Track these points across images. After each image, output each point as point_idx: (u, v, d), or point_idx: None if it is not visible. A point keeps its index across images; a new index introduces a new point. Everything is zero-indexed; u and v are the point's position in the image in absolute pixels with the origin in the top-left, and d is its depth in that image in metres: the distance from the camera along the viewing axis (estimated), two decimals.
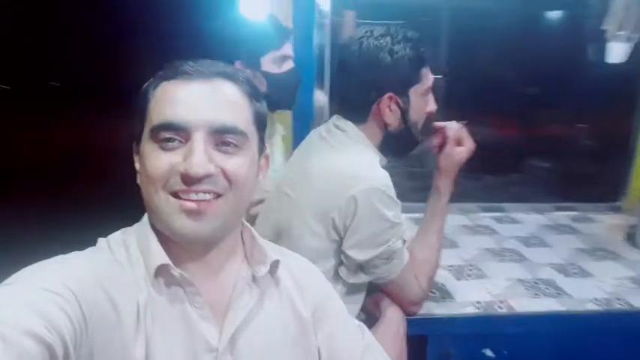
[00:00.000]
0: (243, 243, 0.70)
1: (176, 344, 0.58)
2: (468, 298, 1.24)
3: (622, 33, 1.76)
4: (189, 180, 0.57)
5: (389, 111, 1.03)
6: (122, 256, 0.61)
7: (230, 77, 0.62)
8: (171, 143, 0.58)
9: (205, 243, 0.62)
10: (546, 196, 2.13)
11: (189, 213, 0.58)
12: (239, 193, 0.62)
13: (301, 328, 0.71)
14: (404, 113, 1.03)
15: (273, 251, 0.70)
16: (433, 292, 1.25)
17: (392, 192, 0.99)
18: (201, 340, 0.60)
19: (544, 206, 1.97)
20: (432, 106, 1.08)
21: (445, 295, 1.25)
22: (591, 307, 1.21)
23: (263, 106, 0.67)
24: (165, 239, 0.61)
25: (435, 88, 1.08)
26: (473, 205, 1.96)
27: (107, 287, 0.55)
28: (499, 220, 1.85)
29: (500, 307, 1.20)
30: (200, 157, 0.57)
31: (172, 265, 0.59)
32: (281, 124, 1.50)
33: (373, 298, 1.12)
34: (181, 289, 0.60)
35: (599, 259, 1.49)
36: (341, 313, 0.78)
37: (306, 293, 0.73)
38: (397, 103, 1.02)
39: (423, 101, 1.06)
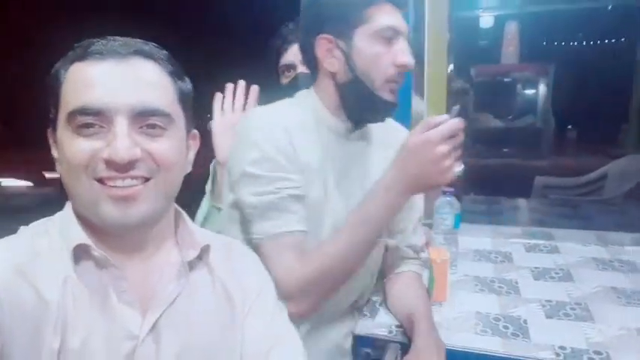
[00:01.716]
0: (176, 228, 0.67)
1: (94, 331, 0.56)
2: (551, 341, 0.95)
3: None
4: (114, 166, 0.55)
5: (330, 57, 0.87)
6: (44, 242, 0.59)
7: (148, 55, 0.59)
8: (90, 129, 0.55)
9: (135, 229, 0.60)
10: None
11: (117, 200, 0.56)
12: (168, 175, 0.60)
13: (232, 316, 0.65)
14: (348, 58, 0.86)
15: (207, 237, 0.67)
16: (506, 327, 1.01)
17: (263, 142, 0.84)
18: (122, 326, 0.58)
19: None
20: (401, 57, 0.85)
21: (520, 332, 0.99)
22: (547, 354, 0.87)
23: (187, 84, 0.64)
24: (91, 225, 0.59)
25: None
26: (616, 235, 1.52)
27: (27, 273, 0.55)
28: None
29: (592, 358, 0.88)
30: (124, 141, 0.55)
31: (93, 245, 0.58)
32: None
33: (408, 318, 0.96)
34: (106, 273, 0.59)
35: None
36: (267, 308, 0.70)
37: (241, 281, 0.67)
38: (339, 47, 0.86)
39: (372, 46, 0.85)
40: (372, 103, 0.89)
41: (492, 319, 1.05)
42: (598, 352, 0.90)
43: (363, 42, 0.86)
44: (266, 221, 0.85)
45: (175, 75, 0.62)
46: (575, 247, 1.47)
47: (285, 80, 1.26)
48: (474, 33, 4.64)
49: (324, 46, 0.88)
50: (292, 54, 1.22)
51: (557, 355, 0.90)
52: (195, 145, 0.68)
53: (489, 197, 2.48)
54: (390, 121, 1.05)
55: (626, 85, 4.40)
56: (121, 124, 0.55)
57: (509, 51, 4.21)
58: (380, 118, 0.94)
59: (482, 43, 4.50)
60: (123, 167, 0.55)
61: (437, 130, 0.78)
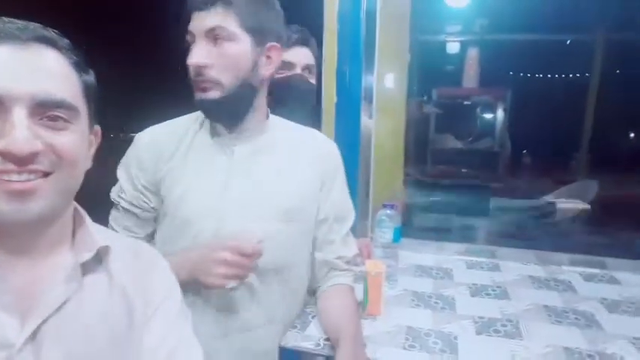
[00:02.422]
0: (75, 229, 0.62)
1: None
2: (478, 357, 0.93)
3: None
4: (12, 158, 0.50)
5: None
6: None
7: (51, 43, 0.55)
8: None
9: (29, 228, 0.55)
10: None
11: (13, 195, 0.51)
12: (70, 171, 0.55)
13: (130, 323, 0.60)
14: None
15: (109, 238, 0.61)
16: (435, 343, 0.99)
17: (140, 147, 0.95)
18: None
19: None
20: (189, 59, 0.87)
21: (449, 348, 0.97)
22: None
23: (91, 77, 0.60)
24: None
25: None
26: (556, 255, 1.54)
27: None
28: (589, 277, 1.41)
29: None
30: (23, 133, 0.50)
31: None
32: None
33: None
34: None
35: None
36: (170, 315, 0.65)
37: (144, 286, 0.63)
38: None
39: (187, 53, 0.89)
40: (197, 104, 0.92)
41: (423, 335, 1.03)
42: None
43: None
44: (115, 215, 0.99)
45: (79, 66, 0.58)
46: (515, 266, 1.48)
47: (277, 75, 1.25)
48: (437, 57, 4.78)
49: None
50: (294, 54, 1.29)
51: None
52: (96, 141, 0.64)
53: (442, 215, 2.51)
54: (307, 129, 1.08)
55: (579, 116, 4.61)
56: (19, 114, 0.51)
57: (470, 75, 4.33)
58: (208, 116, 0.95)
59: (443, 66, 4.63)
60: (21, 160, 0.51)
61: (231, 241, 0.85)
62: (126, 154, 0.98)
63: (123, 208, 0.97)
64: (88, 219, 0.63)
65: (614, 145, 4.73)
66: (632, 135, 5.68)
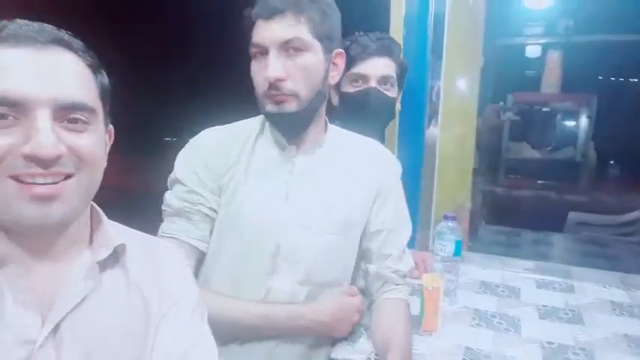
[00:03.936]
0: (92, 227, 0.63)
1: None
2: None
3: None
4: (38, 162, 0.51)
5: None
6: None
7: (68, 46, 0.56)
8: (3, 120, 0.51)
9: (50, 230, 0.56)
10: None
11: (38, 199, 0.52)
12: (91, 172, 0.57)
13: (146, 320, 0.61)
14: None
15: (126, 236, 0.63)
16: None
17: (205, 149, 0.94)
18: (17, 330, 0.53)
19: None
20: (265, 72, 0.85)
21: None
22: None
23: (105, 78, 0.61)
24: None
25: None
26: None
27: None
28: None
29: None
30: (49, 136, 0.51)
31: None
32: None
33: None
34: (1, 272, 0.54)
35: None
36: (185, 313, 0.65)
37: (160, 283, 0.64)
38: None
39: (252, 64, 0.89)
40: (267, 117, 0.93)
41: (483, 357, 0.96)
42: None
43: (251, 63, 0.90)
44: (172, 223, 0.92)
45: (94, 68, 0.59)
46: (593, 288, 1.35)
47: (351, 89, 1.25)
48: (514, 61, 4.53)
49: None
50: (370, 66, 1.23)
51: None
52: (110, 141, 0.65)
53: (513, 229, 2.36)
54: (366, 140, 1.06)
55: None
56: (43, 118, 0.52)
57: (551, 80, 4.05)
58: (284, 129, 0.94)
59: (521, 71, 4.38)
60: (46, 163, 0.52)
61: (356, 300, 0.99)
62: (185, 156, 0.95)
63: (201, 215, 0.92)
64: (104, 217, 0.65)
65: None
66: None
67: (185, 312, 0.66)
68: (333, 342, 1.01)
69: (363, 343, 1.01)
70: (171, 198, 0.93)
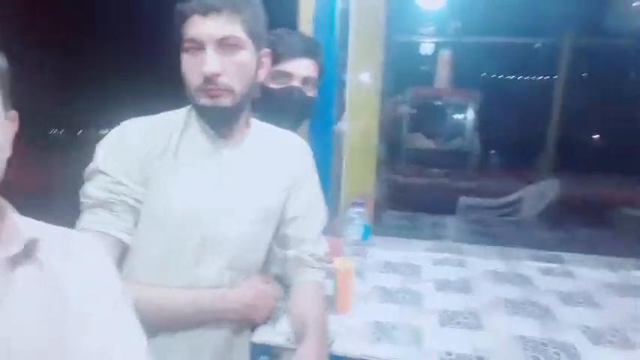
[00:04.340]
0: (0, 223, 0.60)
1: None
2: (441, 348, 0.98)
3: None
4: None
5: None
6: None
7: None
8: None
9: None
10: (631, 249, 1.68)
11: None
12: None
13: (66, 314, 0.60)
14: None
15: (38, 230, 0.61)
16: (401, 335, 1.03)
17: (130, 138, 0.91)
18: None
19: (621, 262, 1.55)
20: (203, 66, 0.86)
21: (414, 339, 1.02)
22: None
23: (3, 61, 0.59)
24: None
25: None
26: (517, 251, 1.62)
27: None
28: (547, 271, 1.49)
29: None
30: None
31: None
32: None
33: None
34: None
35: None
36: (107, 304, 0.64)
37: (80, 275, 0.63)
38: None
39: (184, 58, 0.89)
40: (198, 110, 0.94)
41: (390, 328, 1.07)
42: (481, 358, 0.94)
43: (182, 56, 0.90)
44: (93, 215, 0.88)
45: None
46: (480, 262, 1.55)
47: (274, 85, 1.26)
48: (412, 57, 4.86)
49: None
50: (293, 66, 1.25)
51: None
52: (14, 127, 0.62)
53: (413, 213, 2.58)
54: (284, 132, 1.11)
55: (545, 117, 4.78)
56: None
57: (442, 76, 4.43)
58: (215, 123, 0.96)
59: (417, 67, 4.72)
60: None
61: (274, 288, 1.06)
62: (108, 146, 0.92)
63: (125, 206, 0.89)
64: (12, 211, 0.62)
65: (579, 146, 4.93)
66: (595, 136, 5.90)
67: (106, 304, 0.65)
68: (253, 328, 1.05)
69: (283, 325, 1.07)
70: (92, 189, 0.89)
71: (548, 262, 1.56)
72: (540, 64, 5.51)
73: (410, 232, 2.34)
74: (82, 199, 0.90)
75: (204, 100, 0.90)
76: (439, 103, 4.76)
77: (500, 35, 4.67)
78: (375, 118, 2.64)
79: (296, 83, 1.26)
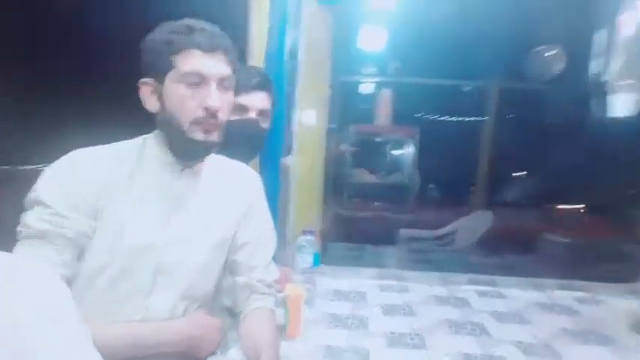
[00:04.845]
0: None
1: None
2: None
3: (627, 82, 1.58)
4: None
5: (150, 99, 0.94)
6: None
7: None
8: None
9: None
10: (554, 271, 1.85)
11: None
12: None
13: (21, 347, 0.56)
14: (161, 101, 0.92)
15: None
16: (351, 358, 1.07)
17: (78, 168, 0.89)
18: None
19: (547, 282, 1.70)
20: (206, 101, 0.90)
21: None
22: None
23: None
24: None
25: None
26: (455, 276, 1.73)
27: None
28: (482, 293, 1.59)
29: None
30: None
31: None
32: None
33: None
34: None
35: (583, 342, 1.21)
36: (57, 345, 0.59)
37: (15, 315, 0.57)
38: (156, 91, 0.92)
39: (178, 89, 0.90)
40: (185, 142, 0.94)
41: (340, 352, 1.10)
42: None
43: (172, 86, 0.91)
44: (29, 247, 0.85)
45: None
46: (421, 287, 1.63)
47: (231, 117, 1.27)
48: (355, 95, 5.10)
49: (144, 89, 0.94)
50: (250, 99, 1.29)
51: None
52: None
53: (357, 244, 2.66)
54: (236, 163, 1.14)
55: (475, 155, 5.16)
56: None
57: (383, 114, 4.66)
58: (198, 156, 0.99)
59: (361, 104, 4.95)
60: None
61: (219, 321, 1.02)
62: (53, 176, 0.89)
63: (65, 240, 0.86)
64: None
65: (506, 181, 5.33)
66: (520, 173, 6.37)
67: (59, 341, 0.59)
68: None
69: (233, 353, 1.06)
70: (31, 219, 0.86)
71: (483, 285, 1.67)
72: (471, 106, 5.95)
73: (355, 261, 2.40)
74: (19, 228, 0.87)
75: (198, 135, 0.92)
76: (380, 139, 4.99)
77: (436, 77, 5.02)
78: (321, 154, 2.74)
79: (252, 115, 1.31)
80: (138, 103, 1.00)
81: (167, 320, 0.95)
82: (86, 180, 0.90)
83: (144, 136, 1.02)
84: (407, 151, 4.83)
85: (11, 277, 0.58)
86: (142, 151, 0.98)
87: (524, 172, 6.03)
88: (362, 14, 3.49)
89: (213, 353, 1.03)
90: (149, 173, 0.97)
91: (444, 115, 6.61)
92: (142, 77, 0.94)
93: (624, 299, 1.57)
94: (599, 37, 1.75)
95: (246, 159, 1.26)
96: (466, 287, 1.65)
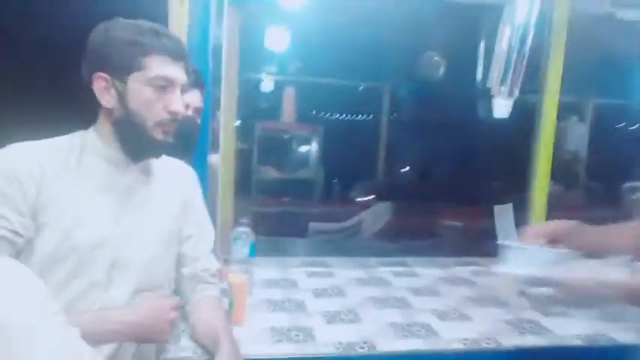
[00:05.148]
0: None
1: None
2: (332, 339, 1.15)
3: (503, 89, 1.87)
4: None
5: (107, 94, 0.94)
6: None
7: None
8: None
9: None
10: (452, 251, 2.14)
11: None
12: None
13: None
14: (122, 98, 0.93)
15: None
16: (297, 335, 1.16)
17: (15, 165, 0.87)
18: None
19: (447, 261, 1.96)
20: (172, 105, 0.95)
21: (309, 337, 1.16)
22: (457, 345, 1.14)
23: None
24: None
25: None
26: (371, 260, 1.92)
27: None
28: (398, 273, 1.80)
29: (362, 347, 1.11)
30: None
31: None
32: None
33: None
34: None
35: (483, 306, 1.45)
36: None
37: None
38: (115, 86, 0.93)
39: (146, 91, 0.93)
40: (145, 141, 0.97)
41: (286, 330, 1.19)
42: (365, 342, 1.14)
43: (137, 86, 0.93)
44: None
45: None
46: (344, 272, 1.78)
47: None
48: (262, 93, 5.16)
49: (100, 83, 0.94)
50: (190, 97, 1.34)
51: (337, 348, 1.10)
52: None
53: (269, 237, 2.75)
54: (171, 159, 1.16)
55: (372, 151, 5.56)
56: None
57: (288, 112, 4.80)
58: (155, 155, 1.03)
59: (266, 102, 5.03)
60: None
61: (171, 300, 1.01)
62: None
63: (4, 241, 0.84)
64: None
65: (402, 176, 5.81)
66: (409, 168, 6.92)
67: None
68: (159, 351, 1.06)
69: (185, 342, 1.10)
70: None
71: (396, 266, 1.88)
72: (370, 105, 6.34)
73: (274, 252, 2.49)
74: None
75: (160, 136, 0.96)
76: (285, 136, 5.11)
77: (338, 78, 5.28)
78: (231, 151, 2.77)
79: (190, 113, 1.34)
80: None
81: (108, 309, 0.93)
82: (23, 177, 0.87)
83: (80, 131, 1.01)
84: (312, 148, 5.04)
85: None
86: (83, 147, 0.98)
87: (415, 168, 6.56)
88: (270, 15, 3.57)
89: (170, 334, 1.00)
90: (95, 168, 0.97)
91: (345, 114, 6.96)
92: (94, 70, 0.93)
93: None
94: (485, 47, 2.07)
95: (185, 156, 1.29)
96: (382, 269, 1.83)
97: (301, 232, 3.73)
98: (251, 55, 3.92)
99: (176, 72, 0.95)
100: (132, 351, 0.97)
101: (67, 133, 1.00)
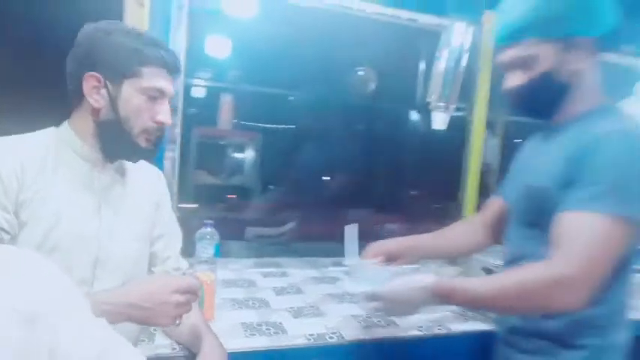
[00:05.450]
0: None
1: None
2: (302, 331, 1.24)
3: (441, 104, 2.08)
4: None
5: (96, 94, 0.94)
6: None
7: None
8: None
9: None
10: None
11: None
12: None
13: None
14: (113, 101, 0.94)
15: None
16: (268, 329, 1.24)
17: None
18: None
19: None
20: (160, 116, 0.97)
21: (280, 330, 1.24)
22: (301, 341, 1.20)
23: None
24: None
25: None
26: (321, 260, 2.03)
27: None
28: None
29: (332, 337, 1.21)
30: None
31: None
32: None
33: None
34: None
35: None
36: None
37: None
38: (106, 87, 0.94)
39: (138, 99, 0.95)
40: (129, 146, 0.99)
41: (256, 325, 1.26)
42: (334, 333, 1.24)
43: (131, 92, 0.95)
44: None
45: None
46: (296, 271, 1.87)
47: None
48: (204, 100, 5.09)
49: (91, 82, 0.94)
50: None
51: (309, 339, 1.19)
52: None
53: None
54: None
55: (305, 160, 5.72)
56: None
57: (225, 118, 4.78)
58: (134, 160, 1.05)
59: (206, 108, 4.97)
60: None
61: (178, 280, 0.92)
62: None
63: None
64: None
65: (322, 185, 6.03)
66: (330, 176, 7.13)
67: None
68: (134, 343, 1.07)
69: (160, 339, 1.13)
70: None
71: (342, 265, 2.00)
72: (307, 116, 6.48)
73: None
74: None
75: (144, 143, 0.99)
76: (221, 142, 5.08)
77: (277, 87, 5.35)
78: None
79: None
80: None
81: (96, 293, 0.90)
82: (5, 174, 0.87)
83: (52, 128, 1.00)
84: (248, 154, 5.06)
85: (20, 270, 0.56)
86: (59, 143, 0.97)
87: (337, 176, 6.78)
88: (215, 24, 3.58)
89: (178, 317, 0.92)
90: (73, 166, 0.97)
91: (283, 123, 7.06)
92: (86, 69, 0.93)
93: None
94: (425, 65, 2.27)
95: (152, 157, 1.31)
96: (333, 268, 1.95)
97: (239, 236, 3.77)
98: (195, 62, 3.89)
99: (168, 85, 0.98)
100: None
101: (41, 128, 1.00)
